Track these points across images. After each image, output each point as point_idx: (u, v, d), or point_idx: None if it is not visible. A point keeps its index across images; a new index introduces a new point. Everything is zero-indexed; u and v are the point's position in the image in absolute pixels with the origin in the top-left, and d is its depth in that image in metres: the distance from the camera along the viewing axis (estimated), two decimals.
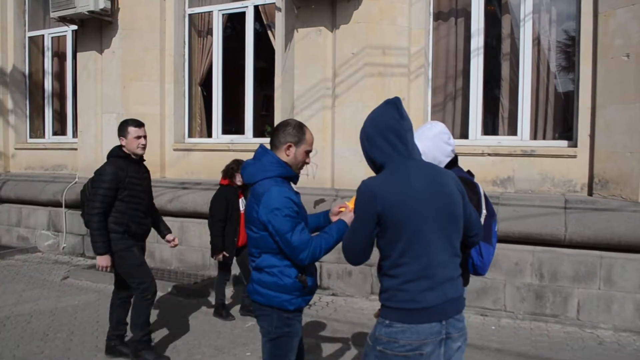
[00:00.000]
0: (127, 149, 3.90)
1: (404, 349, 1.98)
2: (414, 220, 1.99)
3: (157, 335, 4.52)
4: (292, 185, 2.64)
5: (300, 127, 2.58)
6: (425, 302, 1.99)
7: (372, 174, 2.20)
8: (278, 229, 2.37)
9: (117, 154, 3.91)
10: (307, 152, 2.60)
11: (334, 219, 2.68)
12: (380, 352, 2.02)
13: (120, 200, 3.82)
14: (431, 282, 2.00)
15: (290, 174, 2.57)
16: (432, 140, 2.69)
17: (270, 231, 2.40)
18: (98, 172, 3.86)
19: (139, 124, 3.93)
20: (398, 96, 2.23)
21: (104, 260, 3.76)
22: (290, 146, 2.54)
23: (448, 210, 2.05)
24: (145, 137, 3.93)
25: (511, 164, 5.64)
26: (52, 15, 7.39)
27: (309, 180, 5.88)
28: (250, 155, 2.63)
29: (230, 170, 4.97)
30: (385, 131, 2.11)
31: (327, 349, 4.24)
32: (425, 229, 2.00)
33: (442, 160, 2.73)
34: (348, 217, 2.58)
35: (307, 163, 2.63)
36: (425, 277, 2.00)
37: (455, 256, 2.10)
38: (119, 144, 3.91)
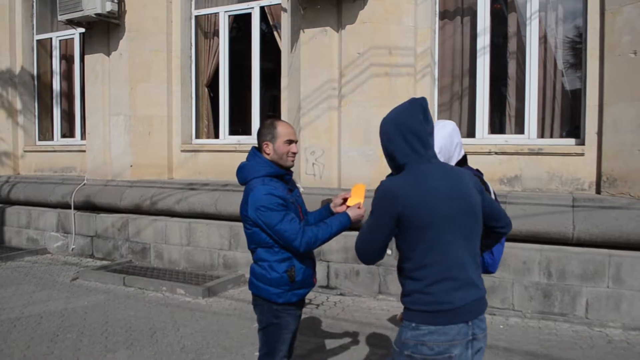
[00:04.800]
0: None
1: (432, 351, 1.94)
2: (435, 222, 1.97)
3: (166, 336, 4.56)
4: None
5: (271, 123, 2.71)
6: (452, 303, 1.96)
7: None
8: (267, 223, 2.52)
9: None
10: (288, 142, 2.67)
11: (338, 209, 2.77)
12: (409, 356, 1.98)
13: None
14: (455, 283, 1.98)
15: (278, 171, 2.67)
16: (446, 139, 2.71)
17: (261, 227, 2.55)
18: None
19: None
20: (425, 97, 2.18)
21: None
22: (267, 144, 2.67)
23: (468, 211, 2.04)
24: None
25: (518, 163, 5.62)
26: (59, 18, 7.47)
27: (315, 181, 5.89)
28: None
29: None
30: (406, 132, 2.06)
31: (335, 348, 4.24)
32: (447, 231, 1.98)
33: (455, 158, 2.75)
34: (354, 212, 2.63)
35: (294, 152, 2.71)
36: (450, 279, 1.97)
37: (476, 256, 2.08)
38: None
